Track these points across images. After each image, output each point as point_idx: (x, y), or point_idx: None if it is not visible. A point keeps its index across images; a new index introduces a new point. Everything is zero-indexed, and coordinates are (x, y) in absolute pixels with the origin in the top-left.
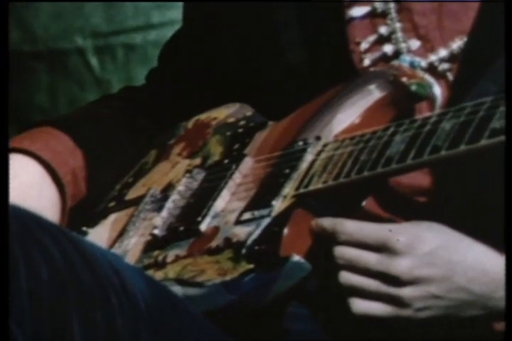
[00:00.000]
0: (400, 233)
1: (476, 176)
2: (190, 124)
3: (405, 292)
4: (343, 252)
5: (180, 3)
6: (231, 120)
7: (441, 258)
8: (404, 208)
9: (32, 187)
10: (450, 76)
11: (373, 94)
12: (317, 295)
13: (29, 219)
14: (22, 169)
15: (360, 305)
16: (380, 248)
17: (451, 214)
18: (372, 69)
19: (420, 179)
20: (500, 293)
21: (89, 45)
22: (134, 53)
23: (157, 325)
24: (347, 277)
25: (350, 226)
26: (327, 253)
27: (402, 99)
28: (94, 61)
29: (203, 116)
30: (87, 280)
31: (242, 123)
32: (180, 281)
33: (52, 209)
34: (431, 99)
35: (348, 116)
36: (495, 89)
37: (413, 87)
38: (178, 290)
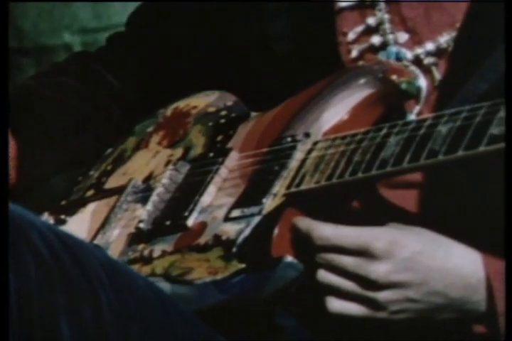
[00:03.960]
0: (380, 238)
1: (468, 171)
2: (168, 112)
3: (381, 295)
4: (321, 254)
5: None
6: (211, 109)
7: (419, 263)
8: (391, 209)
9: None
10: (435, 70)
11: (362, 90)
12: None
13: (17, 216)
14: None
15: (335, 304)
16: (359, 252)
17: (439, 211)
18: (360, 64)
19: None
20: (477, 296)
21: (77, 42)
22: None
23: (146, 322)
24: (325, 275)
25: (328, 231)
26: (307, 249)
27: (391, 97)
28: None
29: (182, 104)
30: (75, 277)
31: (223, 113)
32: (168, 278)
33: None
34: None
35: (337, 112)
36: (485, 87)
37: (403, 85)
38: (166, 286)
